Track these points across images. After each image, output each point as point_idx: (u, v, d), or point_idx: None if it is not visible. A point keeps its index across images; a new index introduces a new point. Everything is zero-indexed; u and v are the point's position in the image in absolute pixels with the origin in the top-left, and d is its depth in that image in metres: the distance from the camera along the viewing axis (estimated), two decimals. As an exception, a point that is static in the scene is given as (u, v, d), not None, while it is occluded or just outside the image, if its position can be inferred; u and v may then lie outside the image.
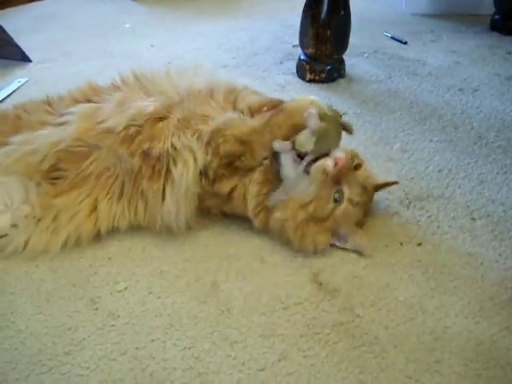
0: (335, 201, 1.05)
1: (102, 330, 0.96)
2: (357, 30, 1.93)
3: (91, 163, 1.11)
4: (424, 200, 1.25)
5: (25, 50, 2.10)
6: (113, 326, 0.96)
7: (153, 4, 2.89)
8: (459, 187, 1.29)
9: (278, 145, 1.06)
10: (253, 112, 1.14)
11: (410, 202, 1.24)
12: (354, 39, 1.88)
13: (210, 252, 1.12)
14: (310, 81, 1.85)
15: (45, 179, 1.13)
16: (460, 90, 1.78)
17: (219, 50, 2.19)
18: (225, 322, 0.97)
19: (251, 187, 1.10)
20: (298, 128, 1.03)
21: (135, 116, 1.12)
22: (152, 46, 2.27)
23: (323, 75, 1.83)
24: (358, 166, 1.09)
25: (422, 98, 1.73)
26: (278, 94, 1.59)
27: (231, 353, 0.91)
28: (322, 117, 1.02)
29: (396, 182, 1.19)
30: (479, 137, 1.50)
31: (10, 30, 2.10)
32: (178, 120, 1.12)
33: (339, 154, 1.04)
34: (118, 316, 0.98)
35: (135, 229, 1.16)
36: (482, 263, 1.07)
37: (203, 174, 1.10)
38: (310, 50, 1.81)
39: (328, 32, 1.75)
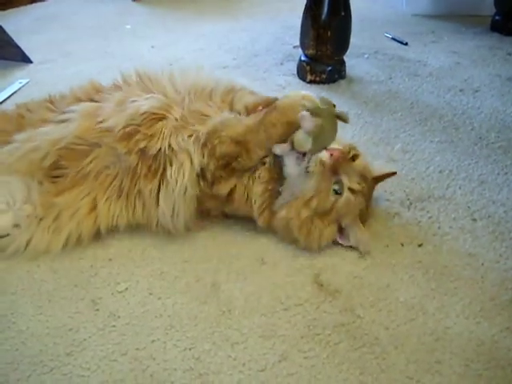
0: (336, 193, 1.05)
1: (102, 330, 0.96)
2: (357, 30, 1.93)
3: (91, 161, 1.11)
4: (425, 201, 1.25)
5: (26, 50, 2.11)
6: (113, 326, 0.97)
7: (153, 5, 2.89)
8: (460, 188, 1.29)
9: (279, 149, 1.06)
10: (249, 112, 1.14)
11: (410, 203, 1.24)
12: (354, 40, 1.88)
13: (209, 253, 1.12)
14: (310, 82, 1.85)
15: (46, 177, 1.13)
16: (461, 90, 1.78)
17: (220, 51, 2.19)
18: (225, 322, 0.97)
19: (256, 186, 1.10)
20: (292, 125, 1.03)
21: (133, 115, 1.12)
22: (153, 47, 2.27)
23: (324, 76, 1.83)
24: (355, 157, 1.10)
25: (422, 99, 1.73)
26: (279, 95, 1.58)
27: (232, 353, 0.91)
28: (316, 112, 1.03)
29: (395, 173, 1.19)
30: (480, 137, 1.50)
31: (11, 30, 2.10)
32: (177, 119, 1.12)
33: (334, 146, 1.06)
34: (119, 317, 0.98)
35: (135, 229, 1.16)
36: (482, 264, 1.07)
37: (201, 176, 1.10)
38: (311, 51, 1.81)
39: (328, 33, 1.75)
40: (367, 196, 1.10)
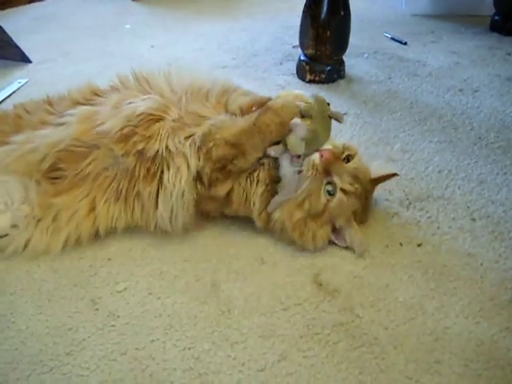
0: (329, 194, 1.05)
1: (102, 330, 0.96)
2: (357, 30, 1.93)
3: (90, 163, 1.11)
4: (424, 201, 1.25)
5: (25, 50, 2.10)
6: (113, 326, 0.97)
7: (153, 5, 2.89)
8: (459, 188, 1.29)
9: (273, 151, 1.06)
10: (243, 113, 1.13)
11: (409, 203, 1.24)
12: (353, 40, 1.88)
13: (208, 252, 1.12)
14: (309, 81, 1.85)
15: (44, 178, 1.13)
16: (460, 90, 1.78)
17: (219, 51, 2.19)
18: (225, 322, 0.97)
19: (256, 188, 1.10)
20: (286, 125, 1.03)
21: (129, 117, 1.12)
22: (152, 46, 2.27)
23: (323, 76, 1.83)
24: (349, 157, 1.09)
25: (422, 99, 1.73)
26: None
27: (231, 353, 0.91)
28: (309, 113, 1.03)
29: (396, 174, 1.17)
30: (479, 137, 1.50)
31: (10, 30, 2.10)
32: (174, 120, 1.12)
33: (325, 147, 1.06)
34: (118, 316, 0.98)
35: (134, 229, 1.16)
36: (482, 264, 1.07)
37: (197, 179, 1.10)
38: (310, 51, 1.81)
39: (328, 33, 1.75)
40: (362, 197, 1.08)
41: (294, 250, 1.10)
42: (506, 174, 1.34)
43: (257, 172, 1.11)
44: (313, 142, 1.04)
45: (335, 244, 1.11)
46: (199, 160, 1.08)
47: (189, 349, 0.92)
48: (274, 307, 0.99)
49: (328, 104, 1.09)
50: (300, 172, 1.05)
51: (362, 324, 0.95)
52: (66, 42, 2.34)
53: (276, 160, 1.09)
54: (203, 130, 1.10)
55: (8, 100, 1.78)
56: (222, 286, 1.04)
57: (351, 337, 0.93)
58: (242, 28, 2.45)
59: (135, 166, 1.10)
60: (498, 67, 1.95)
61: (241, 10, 2.75)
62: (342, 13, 1.75)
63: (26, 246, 1.11)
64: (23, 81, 1.93)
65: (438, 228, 1.17)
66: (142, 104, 1.13)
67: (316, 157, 1.04)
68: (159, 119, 1.12)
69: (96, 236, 1.14)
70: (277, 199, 1.08)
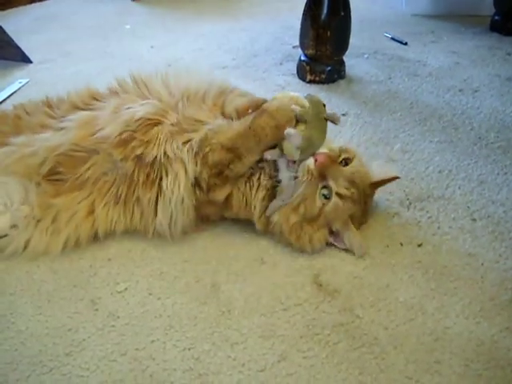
0: (325, 197, 1.05)
1: (102, 330, 0.96)
2: (357, 30, 1.93)
3: (89, 168, 1.11)
4: (424, 201, 1.25)
5: (25, 50, 2.11)
6: (113, 326, 0.97)
7: (153, 5, 2.89)
8: (459, 188, 1.29)
9: (270, 155, 1.06)
10: (239, 115, 1.13)
11: (410, 203, 1.24)
12: (354, 40, 1.88)
13: (208, 254, 1.12)
14: (310, 82, 1.85)
15: (44, 180, 1.13)
16: (460, 90, 1.78)
17: (219, 51, 2.19)
18: (225, 323, 0.97)
19: (258, 192, 1.10)
20: (281, 129, 1.02)
21: (128, 122, 1.11)
22: (152, 47, 2.27)
23: (323, 76, 1.83)
24: (347, 161, 1.08)
25: (422, 99, 1.73)
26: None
27: (231, 354, 0.91)
28: (304, 117, 1.03)
29: (397, 177, 1.16)
30: (479, 137, 1.50)
31: (10, 30, 2.10)
32: (172, 124, 1.12)
33: (320, 150, 1.06)
34: (118, 317, 0.98)
35: (133, 231, 1.16)
36: (482, 264, 1.07)
37: (196, 185, 1.10)
38: (310, 51, 1.81)
39: (328, 33, 1.75)
40: (360, 201, 1.08)
41: (293, 251, 1.10)
42: (506, 174, 1.34)
43: (257, 176, 1.10)
44: (308, 149, 1.04)
45: (335, 246, 1.11)
46: (196, 165, 1.08)
47: (189, 349, 0.92)
48: (273, 308, 0.99)
49: (324, 105, 1.09)
50: (296, 177, 1.05)
51: (362, 324, 0.95)
52: (66, 42, 2.35)
53: (276, 164, 1.09)
54: (200, 135, 1.09)
55: (8, 100, 1.78)
56: (222, 287, 1.04)
57: (351, 337, 0.93)
58: (242, 28, 2.45)
59: (134, 171, 1.10)
60: (498, 67, 1.95)
61: (241, 10, 2.75)
62: (342, 13, 1.75)
63: (25, 246, 1.11)
64: (24, 81, 1.93)
65: (439, 228, 1.17)
66: (141, 109, 1.13)
67: (311, 162, 1.04)
68: (157, 123, 1.12)
69: (95, 237, 1.14)
70: (275, 203, 1.08)
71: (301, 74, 1.88)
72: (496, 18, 2.30)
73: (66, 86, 1.33)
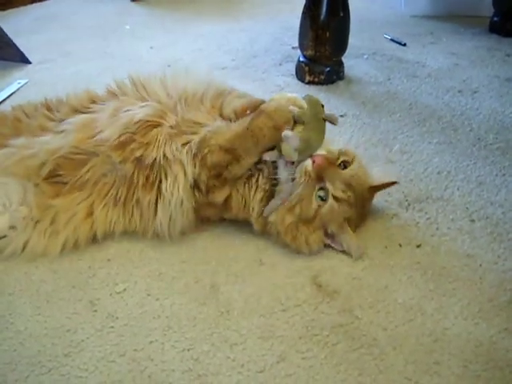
0: (321, 199, 1.04)
1: (100, 331, 0.96)
2: (356, 31, 1.94)
3: (88, 170, 1.11)
4: (423, 202, 1.25)
5: (25, 50, 2.11)
6: (112, 327, 0.97)
7: (152, 5, 2.90)
8: (458, 189, 1.29)
9: (268, 157, 1.06)
10: (238, 116, 1.13)
11: (409, 204, 1.24)
12: (353, 41, 1.88)
13: (208, 254, 1.12)
14: (309, 82, 1.85)
15: (43, 182, 1.13)
16: (459, 91, 1.78)
17: (219, 52, 2.19)
18: (224, 323, 0.97)
19: (256, 193, 1.10)
20: (279, 129, 1.02)
21: (127, 124, 1.12)
22: (151, 47, 2.27)
23: (322, 77, 1.83)
24: (346, 163, 1.08)
25: (421, 100, 1.73)
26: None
27: (230, 354, 0.91)
28: (301, 119, 1.03)
29: (395, 183, 1.16)
30: (478, 138, 1.50)
31: (11, 30, 2.10)
32: (171, 127, 1.12)
33: (318, 152, 1.05)
34: (117, 318, 0.98)
35: (132, 233, 1.16)
36: (480, 265, 1.07)
37: (195, 186, 1.10)
38: (309, 52, 1.81)
39: (327, 34, 1.75)
40: (356, 205, 1.07)
41: (292, 252, 1.10)
42: (504, 175, 1.34)
43: (255, 178, 1.10)
44: (306, 150, 1.03)
45: (332, 247, 1.11)
46: (195, 167, 1.08)
47: (188, 350, 0.92)
48: (273, 308, 0.99)
49: (322, 106, 1.09)
50: (294, 179, 1.05)
51: (361, 325, 0.95)
52: (66, 43, 2.35)
53: (274, 166, 1.09)
54: (199, 137, 1.10)
55: (7, 101, 1.78)
56: (221, 288, 1.04)
57: (350, 338, 0.93)
58: (241, 29, 2.45)
59: (133, 173, 1.10)
60: (497, 68, 1.95)
61: (242, 11, 2.76)
62: (342, 14, 1.76)
63: (24, 247, 1.11)
64: (23, 81, 1.93)
65: (437, 229, 1.17)
66: (140, 111, 1.13)
67: (308, 163, 1.04)
68: (156, 125, 1.12)
69: (94, 239, 1.14)
70: (273, 203, 1.08)
71: (300, 74, 1.89)
72: (495, 18, 2.30)
73: (65, 87, 1.33)
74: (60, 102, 1.27)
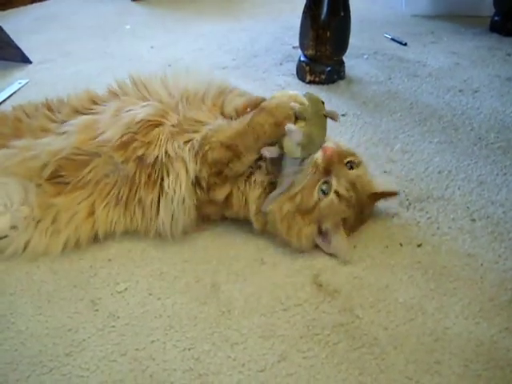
0: (323, 192, 1.04)
1: (102, 331, 0.96)
2: (357, 31, 1.93)
3: (90, 171, 1.11)
4: (424, 201, 1.25)
5: (25, 50, 2.11)
6: (113, 327, 0.97)
7: (153, 5, 2.89)
8: (459, 188, 1.29)
9: (268, 152, 1.05)
10: (239, 114, 1.13)
11: (409, 203, 1.24)
12: (353, 40, 1.88)
13: (209, 253, 1.12)
14: (309, 82, 1.85)
15: (45, 182, 1.13)
16: (460, 91, 1.78)
17: (219, 51, 2.19)
18: (225, 323, 0.97)
19: (253, 190, 1.10)
20: (280, 126, 1.02)
21: (129, 124, 1.12)
22: (152, 47, 2.27)
23: (323, 76, 1.83)
24: (352, 164, 1.08)
25: (422, 99, 1.73)
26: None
27: (231, 354, 0.91)
28: (303, 115, 1.03)
29: (396, 193, 1.17)
30: (479, 138, 1.50)
31: (11, 30, 2.10)
32: (173, 126, 1.13)
33: (329, 144, 1.06)
34: (118, 317, 0.98)
35: (133, 232, 1.16)
36: (481, 264, 1.07)
37: (196, 184, 1.10)
38: (310, 52, 1.81)
39: (328, 33, 1.75)
40: (355, 207, 1.07)
41: (293, 251, 1.10)
42: (505, 174, 1.34)
43: (254, 175, 1.11)
44: (309, 145, 1.03)
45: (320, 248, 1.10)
46: (197, 164, 1.08)
47: (189, 349, 0.92)
48: (273, 308, 0.99)
49: (323, 103, 1.09)
50: (300, 169, 1.05)
51: (361, 325, 0.95)
52: (66, 43, 2.35)
53: (273, 162, 1.09)
54: (201, 134, 1.10)
55: (8, 101, 1.78)
56: (222, 287, 1.04)
57: (351, 337, 0.93)
58: (242, 28, 2.45)
59: (135, 173, 1.10)
60: (498, 68, 1.95)
61: (242, 10, 2.75)
62: (342, 13, 1.75)
63: (25, 247, 1.11)
64: (23, 81, 1.93)
65: (438, 228, 1.17)
66: (142, 111, 1.13)
67: (319, 155, 1.04)
68: (158, 124, 1.13)
69: (95, 239, 1.14)
70: (273, 195, 1.07)
71: (300, 74, 1.88)
72: (496, 18, 2.30)
73: (65, 87, 1.34)
74: (61, 103, 1.27)
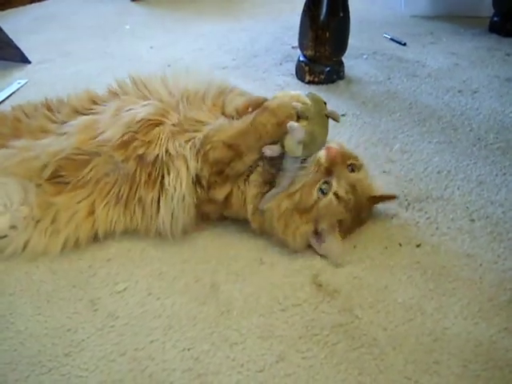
0: (322, 192, 1.04)
1: (101, 331, 0.96)
2: (356, 31, 1.94)
3: (91, 170, 1.11)
4: (423, 201, 1.25)
5: (24, 50, 2.11)
6: (112, 327, 0.97)
7: (152, 5, 2.89)
8: (458, 188, 1.29)
9: (270, 151, 1.05)
10: (240, 114, 1.13)
11: (409, 204, 1.24)
12: (353, 41, 1.88)
13: (208, 253, 1.12)
14: (309, 82, 1.85)
15: (45, 182, 1.13)
16: (459, 91, 1.78)
17: (219, 52, 2.19)
18: (224, 323, 0.97)
19: (250, 189, 1.10)
20: (282, 126, 1.02)
21: (129, 123, 1.12)
22: (151, 47, 2.27)
23: (322, 77, 1.83)
24: (353, 167, 1.09)
25: (421, 100, 1.73)
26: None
27: (230, 354, 0.91)
28: (305, 114, 1.03)
29: (395, 197, 1.17)
30: (478, 138, 1.50)
31: (10, 30, 2.10)
32: (174, 125, 1.13)
33: (332, 145, 1.06)
34: (118, 317, 0.98)
35: (132, 231, 1.16)
36: (480, 264, 1.07)
37: (197, 182, 1.10)
38: (310, 52, 1.82)
39: (327, 34, 1.75)
40: (353, 210, 1.07)
41: (292, 252, 1.10)
42: (505, 174, 1.34)
43: (253, 174, 1.11)
44: (310, 144, 1.03)
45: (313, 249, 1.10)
46: (197, 162, 1.08)
47: (188, 349, 0.92)
48: (272, 308, 0.99)
49: (324, 103, 1.09)
50: (302, 167, 1.05)
51: (361, 325, 0.96)
52: (65, 43, 2.35)
53: (272, 162, 1.09)
54: (203, 133, 1.10)
55: (7, 101, 1.78)
56: (222, 287, 1.04)
57: (350, 338, 0.93)
58: (242, 28, 2.45)
59: (136, 171, 1.10)
60: (497, 68, 1.95)
61: (242, 10, 2.75)
62: (342, 14, 1.76)
63: (24, 247, 1.11)
64: (23, 81, 1.93)
65: (437, 229, 1.17)
66: (142, 110, 1.13)
67: (322, 154, 1.04)
68: (159, 124, 1.13)
69: (95, 238, 1.14)
70: (271, 193, 1.07)
71: (300, 74, 1.89)
72: (495, 19, 2.30)
73: (65, 87, 1.34)
74: (60, 103, 1.27)
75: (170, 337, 0.94)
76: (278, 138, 1.04)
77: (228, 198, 1.12)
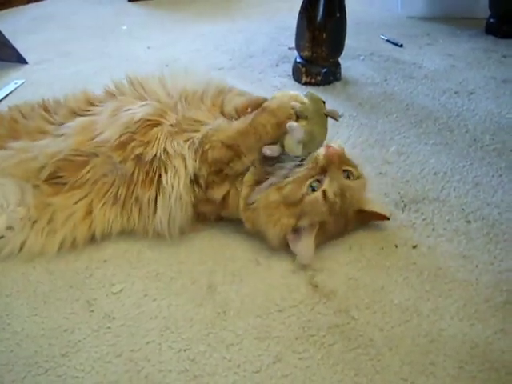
0: (312, 189, 1.03)
1: (97, 332, 0.96)
2: (353, 32, 1.94)
3: (89, 171, 1.11)
4: (419, 203, 1.25)
5: (22, 50, 2.10)
6: (108, 328, 0.97)
7: (150, 6, 2.89)
8: (454, 190, 1.29)
9: (269, 151, 1.05)
10: (239, 114, 1.14)
11: (405, 205, 1.24)
12: (349, 42, 1.88)
13: (205, 254, 1.12)
14: (305, 83, 1.85)
15: (43, 183, 1.13)
16: (456, 93, 1.79)
17: (216, 52, 2.19)
18: (220, 324, 0.97)
19: (243, 189, 1.10)
20: (282, 126, 1.02)
21: (127, 124, 1.12)
22: (149, 48, 2.27)
23: (319, 78, 1.84)
24: (349, 174, 1.07)
25: (417, 101, 1.74)
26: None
27: (227, 355, 0.91)
28: (304, 113, 1.03)
29: (387, 218, 1.15)
30: (474, 140, 1.51)
31: (8, 30, 2.10)
32: (172, 125, 1.13)
33: (333, 145, 1.06)
34: (114, 318, 0.98)
35: (130, 231, 1.16)
36: (476, 266, 1.08)
37: (195, 181, 1.10)
38: (306, 53, 1.82)
39: (324, 35, 1.76)
40: (338, 216, 1.05)
41: (289, 253, 1.10)
42: (501, 176, 1.34)
43: (246, 174, 1.10)
44: (310, 143, 1.04)
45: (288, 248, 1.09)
46: (196, 162, 1.08)
47: (184, 351, 0.92)
48: (269, 309, 0.99)
49: (323, 102, 1.10)
50: (299, 164, 1.05)
51: (357, 326, 0.96)
52: (63, 43, 2.35)
53: (268, 161, 1.09)
54: (201, 133, 1.10)
55: (4, 101, 1.77)
56: (218, 288, 1.04)
57: (347, 338, 0.93)
58: (239, 29, 2.45)
59: (134, 171, 1.10)
60: (494, 70, 1.95)
61: (240, 10, 2.76)
62: (338, 15, 1.76)
63: (21, 247, 1.11)
64: (19, 81, 1.93)
65: (433, 230, 1.17)
66: (140, 110, 1.13)
67: (321, 152, 1.04)
68: (157, 124, 1.13)
69: (92, 239, 1.14)
70: (262, 186, 1.06)
71: (296, 75, 1.89)
72: (491, 20, 2.30)
73: (62, 87, 1.34)
74: (57, 104, 1.27)
75: (167, 338, 0.94)
76: (278, 138, 1.05)
77: (225, 198, 1.12)
